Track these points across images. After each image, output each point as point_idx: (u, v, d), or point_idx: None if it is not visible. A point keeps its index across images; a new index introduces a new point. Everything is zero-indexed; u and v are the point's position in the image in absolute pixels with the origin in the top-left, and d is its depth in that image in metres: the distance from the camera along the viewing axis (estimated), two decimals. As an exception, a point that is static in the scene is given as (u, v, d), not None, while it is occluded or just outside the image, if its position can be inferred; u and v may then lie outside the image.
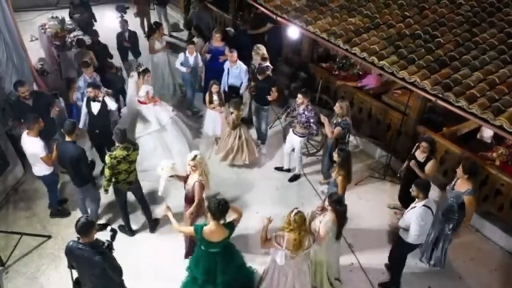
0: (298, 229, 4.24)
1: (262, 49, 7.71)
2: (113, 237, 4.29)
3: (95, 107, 6.48)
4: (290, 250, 4.30)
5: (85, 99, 6.62)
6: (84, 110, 6.63)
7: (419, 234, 4.75)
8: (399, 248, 5.13)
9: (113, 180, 5.43)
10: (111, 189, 5.55)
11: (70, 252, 4.07)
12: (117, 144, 5.35)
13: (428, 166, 5.55)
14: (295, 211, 4.29)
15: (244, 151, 7.11)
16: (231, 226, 4.46)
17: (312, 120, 6.40)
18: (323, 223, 4.59)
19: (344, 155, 5.29)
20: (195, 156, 5.03)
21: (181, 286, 4.99)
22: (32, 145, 5.51)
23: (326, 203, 4.74)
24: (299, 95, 6.38)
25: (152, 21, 10.88)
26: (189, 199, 5.14)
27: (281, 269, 4.52)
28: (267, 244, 4.46)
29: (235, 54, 7.58)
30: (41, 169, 5.73)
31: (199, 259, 4.65)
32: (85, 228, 3.93)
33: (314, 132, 6.59)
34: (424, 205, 4.69)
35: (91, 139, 6.98)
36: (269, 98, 7.11)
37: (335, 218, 4.58)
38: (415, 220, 4.68)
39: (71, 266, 4.27)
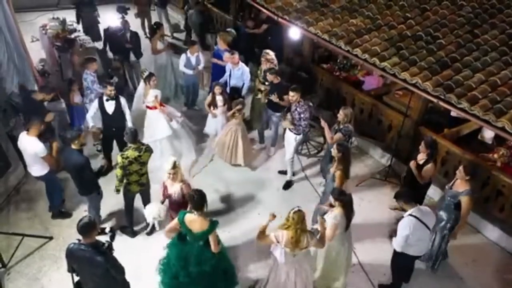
0: (294, 227, 4.26)
1: (271, 55, 7.65)
2: (112, 237, 4.30)
3: (110, 106, 6.47)
4: (289, 248, 4.33)
5: (96, 101, 6.53)
6: (93, 109, 6.53)
7: (404, 244, 4.67)
8: (397, 260, 5.07)
9: (125, 181, 5.44)
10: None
11: (71, 254, 4.07)
12: (129, 144, 5.39)
13: (425, 169, 5.52)
14: (296, 209, 4.33)
15: (238, 153, 7.09)
16: (213, 222, 4.46)
17: (302, 116, 6.34)
18: (331, 218, 4.61)
19: (343, 150, 5.30)
20: (174, 163, 5.04)
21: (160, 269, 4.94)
22: (32, 145, 5.51)
23: (331, 200, 4.73)
24: (291, 92, 6.32)
25: (153, 22, 10.89)
26: (176, 206, 5.11)
27: (283, 267, 4.53)
28: (263, 238, 4.45)
29: (236, 56, 7.58)
30: (38, 169, 5.73)
31: (178, 244, 4.65)
32: (87, 228, 3.95)
33: (301, 129, 6.45)
34: (410, 215, 4.60)
35: (104, 138, 6.94)
36: (273, 98, 6.93)
37: (343, 211, 4.62)
38: (399, 230, 4.66)
39: (71, 270, 4.27)
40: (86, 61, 7.30)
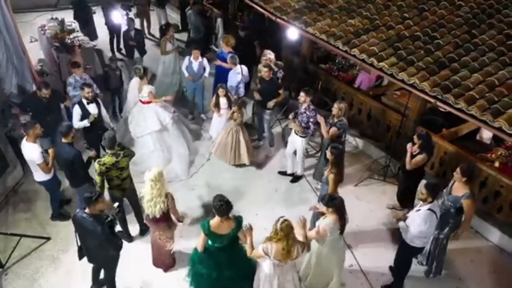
0: (285, 238, 4.16)
1: (268, 55, 7.70)
2: (118, 213, 4.71)
3: (93, 109, 6.43)
4: (278, 260, 4.24)
5: (76, 106, 6.39)
6: (77, 115, 6.38)
7: (420, 236, 4.73)
8: (403, 252, 5.07)
9: (107, 186, 5.40)
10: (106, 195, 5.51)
11: (75, 220, 4.44)
12: (106, 150, 5.33)
13: (416, 158, 5.66)
14: (281, 220, 4.21)
15: (242, 152, 7.12)
16: (238, 218, 4.54)
17: (312, 120, 6.39)
18: (323, 224, 4.57)
19: (337, 153, 5.31)
20: (160, 173, 4.82)
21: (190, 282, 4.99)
22: (29, 151, 5.50)
23: (322, 207, 4.68)
24: (301, 93, 6.36)
25: (152, 22, 10.91)
26: (152, 222, 5.05)
27: (267, 277, 4.45)
28: (255, 253, 4.39)
29: (232, 59, 7.59)
30: (41, 175, 5.70)
31: (205, 256, 4.65)
32: (89, 199, 4.29)
33: (310, 132, 6.56)
34: (429, 209, 4.63)
35: (88, 141, 6.89)
36: (270, 103, 7.06)
37: (336, 217, 4.57)
38: (419, 223, 4.65)
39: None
40: (72, 65, 7.18)
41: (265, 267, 4.36)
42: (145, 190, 4.85)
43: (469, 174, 4.97)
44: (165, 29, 8.78)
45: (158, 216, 4.88)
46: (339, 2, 7.83)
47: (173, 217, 5.16)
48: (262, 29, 9.34)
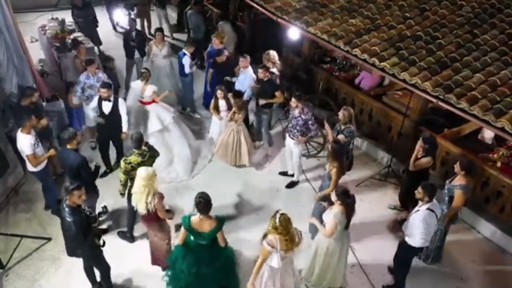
0: (286, 230, 4.20)
1: (271, 54, 7.62)
2: (103, 212, 5.15)
3: (107, 106, 6.46)
4: (284, 250, 4.26)
5: (96, 99, 6.54)
6: (93, 103, 6.52)
7: (424, 237, 4.73)
8: (404, 253, 5.07)
9: (129, 184, 5.38)
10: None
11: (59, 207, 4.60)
12: (133, 149, 5.35)
13: (421, 160, 5.67)
14: (278, 214, 4.23)
15: (243, 153, 7.10)
16: (221, 219, 4.53)
17: (310, 122, 6.35)
18: (332, 215, 4.61)
19: (337, 147, 5.32)
20: (152, 173, 4.79)
21: (168, 280, 4.96)
22: (20, 141, 5.54)
23: (333, 196, 4.72)
24: (293, 99, 6.32)
25: (153, 21, 10.82)
26: (150, 218, 5.00)
27: (270, 273, 4.46)
28: (263, 258, 4.36)
29: (245, 59, 7.47)
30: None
31: (187, 251, 4.65)
32: (66, 189, 4.45)
33: (313, 134, 6.52)
34: (428, 208, 4.65)
35: (99, 137, 6.96)
36: (262, 101, 7.00)
37: (344, 210, 4.62)
38: (420, 223, 4.65)
39: None
40: (86, 62, 7.22)
41: (274, 262, 4.32)
42: (135, 185, 4.85)
43: (467, 168, 5.12)
44: (154, 32, 8.78)
45: (144, 213, 4.86)
46: (340, 2, 7.80)
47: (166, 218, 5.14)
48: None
